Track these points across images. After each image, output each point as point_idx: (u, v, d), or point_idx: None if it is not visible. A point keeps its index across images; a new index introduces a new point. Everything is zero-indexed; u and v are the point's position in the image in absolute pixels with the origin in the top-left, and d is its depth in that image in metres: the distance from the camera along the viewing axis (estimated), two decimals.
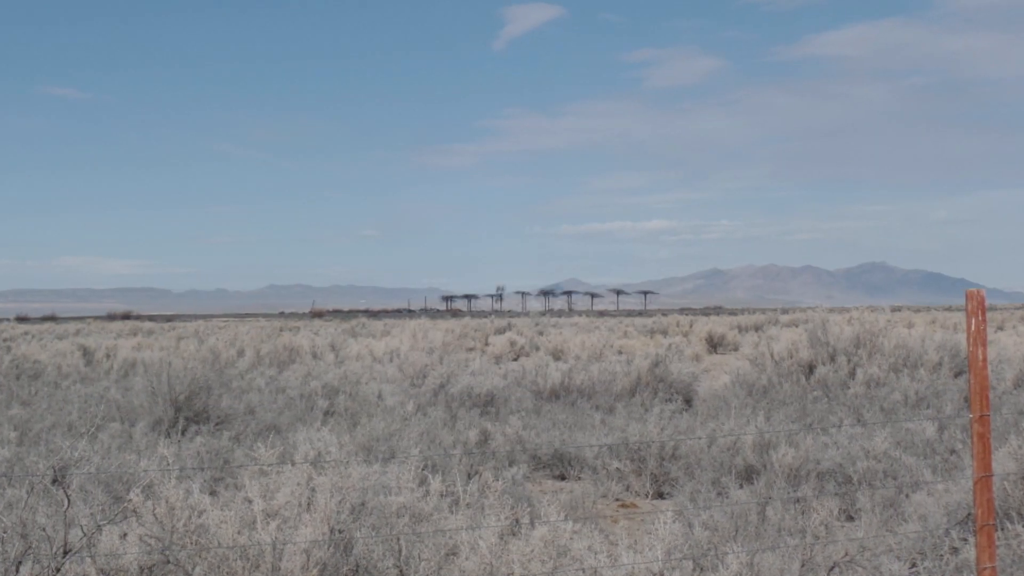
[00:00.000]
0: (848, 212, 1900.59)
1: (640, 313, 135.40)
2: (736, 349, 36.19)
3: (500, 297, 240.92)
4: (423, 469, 8.11)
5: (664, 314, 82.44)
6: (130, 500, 6.49)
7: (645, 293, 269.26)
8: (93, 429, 10.88)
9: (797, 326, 34.15)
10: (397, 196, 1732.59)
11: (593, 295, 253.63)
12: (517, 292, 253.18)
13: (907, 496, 8.81)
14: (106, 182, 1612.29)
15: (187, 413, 13.73)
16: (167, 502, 6.41)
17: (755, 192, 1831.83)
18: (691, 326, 48.78)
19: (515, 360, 30.19)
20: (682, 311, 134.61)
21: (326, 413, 15.22)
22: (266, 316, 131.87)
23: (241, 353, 28.50)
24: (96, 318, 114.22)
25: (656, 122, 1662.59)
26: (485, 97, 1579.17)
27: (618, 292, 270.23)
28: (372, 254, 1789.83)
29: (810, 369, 17.51)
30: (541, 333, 43.58)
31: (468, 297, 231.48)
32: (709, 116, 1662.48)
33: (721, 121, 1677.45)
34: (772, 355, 18.12)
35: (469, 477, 9.33)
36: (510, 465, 10.65)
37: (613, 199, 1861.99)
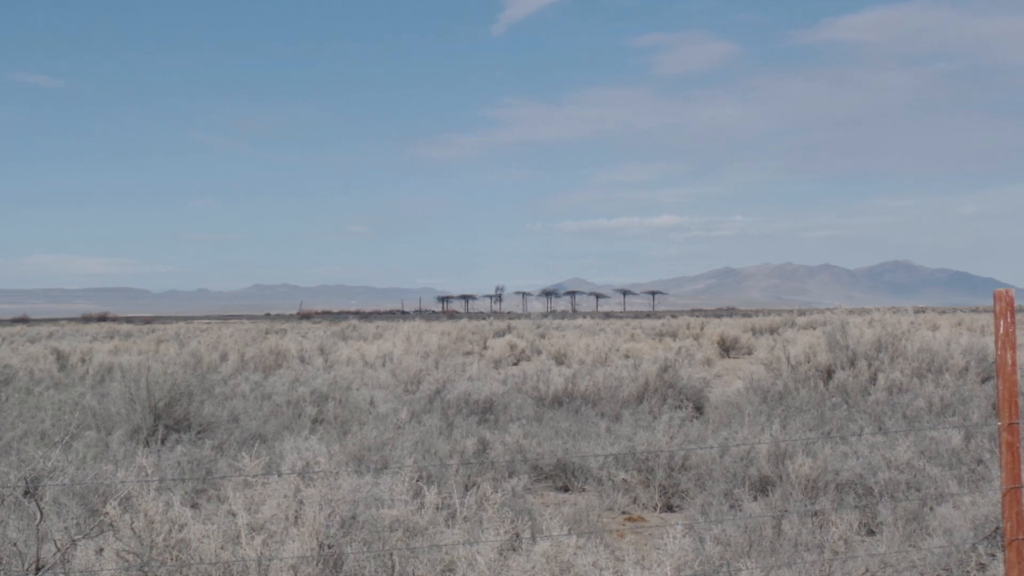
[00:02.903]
0: (869, 207, 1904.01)
1: (648, 315, 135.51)
2: (750, 353, 36.24)
3: (499, 298, 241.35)
4: (418, 480, 8.12)
5: (674, 316, 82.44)
6: (106, 513, 6.49)
7: (653, 293, 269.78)
8: (67, 438, 10.88)
9: (815, 328, 34.20)
10: (390, 190, 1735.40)
11: (598, 295, 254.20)
12: (517, 292, 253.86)
13: (931, 509, 8.82)
14: (80, 175, 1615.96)
15: (167, 421, 13.74)
16: (146, 515, 6.42)
17: (770, 186, 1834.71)
18: (702, 328, 48.80)
19: (515, 364, 30.22)
20: (693, 312, 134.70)
21: (315, 421, 15.23)
22: (251, 318, 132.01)
23: (224, 357, 28.52)
24: (70, 320, 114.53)
25: (665, 111, 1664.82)
26: (483, 85, 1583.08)
27: (625, 292, 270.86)
28: (363, 252, 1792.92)
29: (828, 374, 17.52)
30: (543, 336, 43.64)
31: (465, 298, 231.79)
32: (721, 105, 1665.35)
33: (734, 110, 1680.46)
34: (788, 359, 18.12)
35: (467, 489, 9.34)
36: (510, 476, 10.66)
37: (619, 193, 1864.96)
